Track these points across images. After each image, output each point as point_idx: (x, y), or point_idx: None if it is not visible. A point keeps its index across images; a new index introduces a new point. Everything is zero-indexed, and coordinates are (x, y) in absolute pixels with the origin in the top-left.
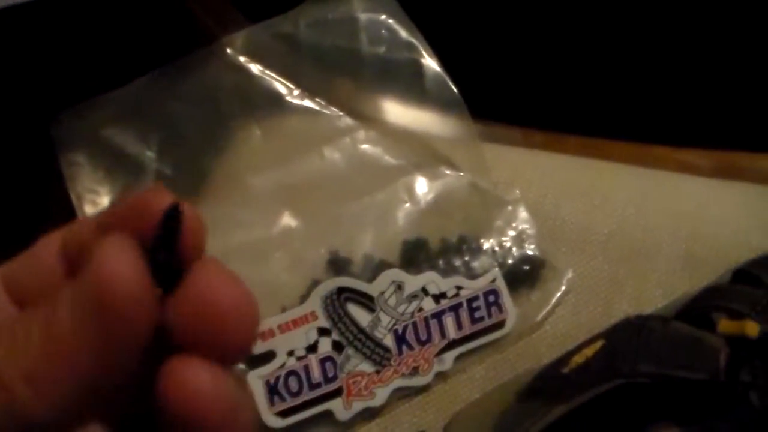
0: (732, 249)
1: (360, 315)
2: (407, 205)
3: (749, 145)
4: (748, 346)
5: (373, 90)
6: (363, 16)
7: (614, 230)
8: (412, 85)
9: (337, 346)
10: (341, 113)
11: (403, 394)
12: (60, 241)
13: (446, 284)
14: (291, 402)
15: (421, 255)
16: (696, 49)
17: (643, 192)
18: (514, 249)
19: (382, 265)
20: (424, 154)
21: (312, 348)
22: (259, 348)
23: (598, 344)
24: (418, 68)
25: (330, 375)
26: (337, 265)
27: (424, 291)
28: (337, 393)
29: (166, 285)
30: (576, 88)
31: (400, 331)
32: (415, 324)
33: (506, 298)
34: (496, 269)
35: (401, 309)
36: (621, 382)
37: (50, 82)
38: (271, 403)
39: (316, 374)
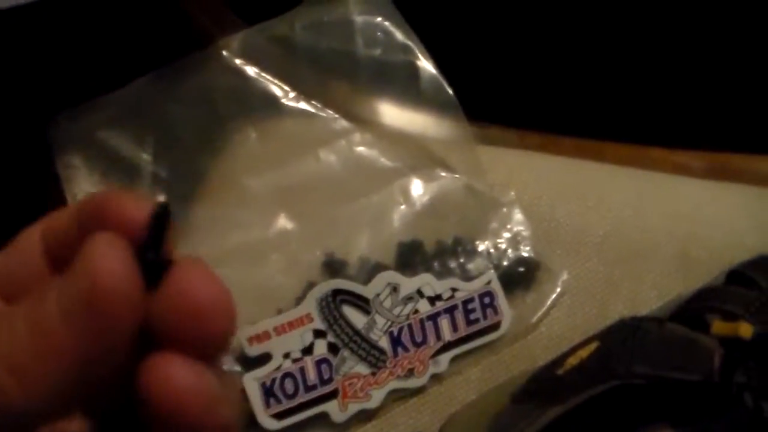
0: (727, 250)
1: (355, 317)
2: (403, 207)
3: (744, 146)
4: (742, 347)
5: (369, 92)
6: (359, 19)
7: (609, 232)
8: (407, 87)
9: (333, 348)
10: (337, 115)
11: (398, 396)
12: (40, 234)
13: (441, 286)
14: (287, 404)
15: (417, 257)
16: (691, 51)
17: (638, 194)
18: (510, 251)
19: (378, 267)
20: (419, 156)
21: (308, 350)
22: (254, 350)
23: (593, 346)
24: (414, 70)
25: (326, 377)
26: (333, 267)
27: (420, 293)
28: (332, 395)
29: (151, 282)
30: (571, 90)
31: (395, 333)
32: (410, 326)
33: (501, 299)
34: (492, 271)
35: (397, 311)
36: (616, 384)
37: (47, 84)
38: (267, 405)
39: (312, 376)
